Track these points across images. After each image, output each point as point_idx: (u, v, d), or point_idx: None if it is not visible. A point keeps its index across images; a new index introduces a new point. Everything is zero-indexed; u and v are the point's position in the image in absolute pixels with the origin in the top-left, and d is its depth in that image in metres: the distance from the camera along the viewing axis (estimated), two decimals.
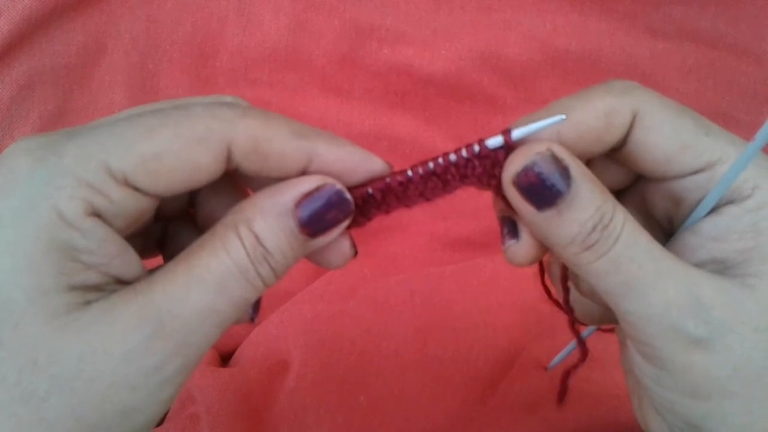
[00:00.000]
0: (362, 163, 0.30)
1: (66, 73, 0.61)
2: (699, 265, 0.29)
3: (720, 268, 0.29)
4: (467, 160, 0.30)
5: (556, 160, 0.28)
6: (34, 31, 0.59)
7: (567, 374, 0.40)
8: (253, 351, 0.59)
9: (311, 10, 0.62)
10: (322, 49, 0.63)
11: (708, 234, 0.29)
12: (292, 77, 0.64)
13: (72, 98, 0.62)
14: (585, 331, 0.46)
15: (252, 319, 0.33)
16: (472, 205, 0.65)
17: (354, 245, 0.31)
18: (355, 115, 0.64)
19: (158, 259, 0.33)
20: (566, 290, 0.36)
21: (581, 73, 0.63)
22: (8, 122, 0.60)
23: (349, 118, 0.64)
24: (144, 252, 0.33)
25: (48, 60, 0.60)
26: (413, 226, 0.66)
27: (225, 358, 0.62)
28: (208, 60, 0.63)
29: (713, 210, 0.29)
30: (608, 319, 0.34)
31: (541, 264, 0.37)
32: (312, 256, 0.31)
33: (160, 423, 0.52)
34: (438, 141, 0.65)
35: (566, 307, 0.36)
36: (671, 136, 0.29)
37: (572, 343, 0.50)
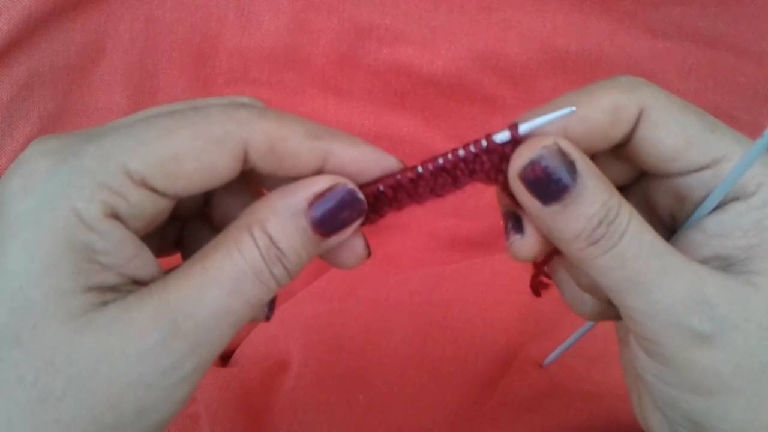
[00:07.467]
0: (377, 162, 0.30)
1: (66, 73, 0.61)
2: (703, 261, 0.29)
3: (724, 265, 0.29)
4: (475, 155, 0.30)
5: (563, 154, 0.28)
6: (34, 31, 0.58)
7: (542, 264, 0.37)
8: (253, 350, 0.59)
9: (310, 10, 0.62)
10: (322, 48, 0.63)
11: (712, 231, 0.29)
12: (291, 77, 0.64)
13: (72, 98, 0.61)
14: (583, 327, 0.46)
15: (267, 318, 0.33)
16: (471, 205, 0.65)
17: (368, 246, 0.31)
18: (355, 115, 0.64)
19: (175, 258, 0.33)
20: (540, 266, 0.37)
21: (581, 72, 0.63)
22: (8, 122, 0.60)
23: (349, 118, 0.64)
24: (161, 251, 0.34)
25: (48, 60, 0.60)
26: (413, 225, 0.66)
27: (225, 357, 0.62)
28: (208, 60, 0.63)
29: (717, 207, 0.29)
30: (607, 315, 0.34)
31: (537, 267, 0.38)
32: (325, 256, 0.31)
33: None
34: (438, 141, 0.65)
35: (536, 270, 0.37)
36: (677, 133, 0.29)
37: (568, 342, 0.50)
